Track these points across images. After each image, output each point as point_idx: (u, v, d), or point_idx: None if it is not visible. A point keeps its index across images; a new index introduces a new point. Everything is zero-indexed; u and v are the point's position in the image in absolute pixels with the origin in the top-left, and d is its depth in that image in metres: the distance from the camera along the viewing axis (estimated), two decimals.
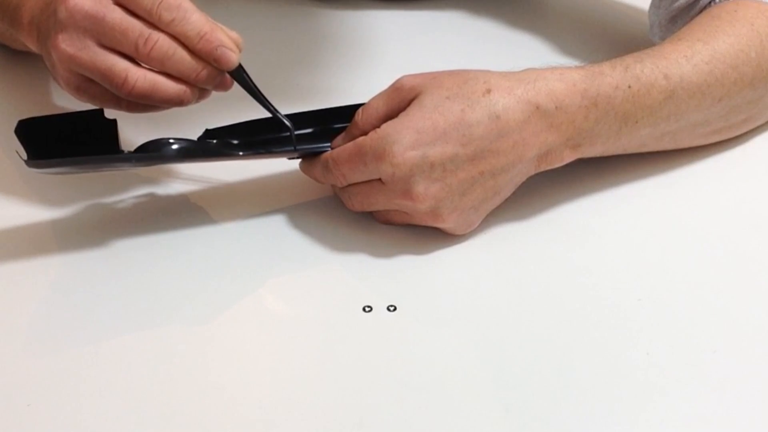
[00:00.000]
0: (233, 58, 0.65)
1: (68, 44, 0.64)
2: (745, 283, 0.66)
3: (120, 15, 0.63)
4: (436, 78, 0.67)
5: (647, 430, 0.56)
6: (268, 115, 0.69)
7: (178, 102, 0.65)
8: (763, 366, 0.60)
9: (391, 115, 0.66)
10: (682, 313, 0.64)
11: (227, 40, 0.64)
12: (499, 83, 0.66)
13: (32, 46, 0.72)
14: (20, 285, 0.66)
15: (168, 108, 0.67)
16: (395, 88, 0.68)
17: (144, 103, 0.65)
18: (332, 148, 0.68)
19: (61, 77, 0.66)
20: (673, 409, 0.57)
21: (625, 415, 0.57)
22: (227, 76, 0.66)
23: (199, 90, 0.66)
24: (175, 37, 0.63)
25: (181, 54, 0.64)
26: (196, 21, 0.63)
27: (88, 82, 0.65)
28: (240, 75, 0.66)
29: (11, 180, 0.75)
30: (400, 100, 0.67)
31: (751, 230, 0.71)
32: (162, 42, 0.63)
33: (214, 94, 0.67)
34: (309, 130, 0.71)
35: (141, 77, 0.63)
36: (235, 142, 0.70)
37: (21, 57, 0.88)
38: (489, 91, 0.66)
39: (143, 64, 0.64)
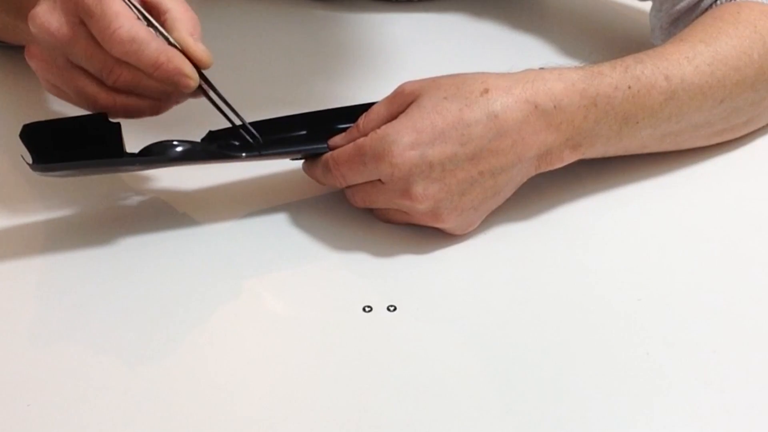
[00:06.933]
0: (190, 84, 0.63)
1: (39, 58, 0.66)
2: (745, 283, 0.66)
3: (84, 42, 0.63)
4: (435, 81, 0.67)
5: (647, 430, 0.56)
6: (273, 116, 0.68)
7: (156, 113, 0.67)
8: (763, 366, 0.60)
9: (392, 119, 0.67)
10: (682, 313, 0.64)
11: (184, 65, 0.63)
12: (497, 83, 0.66)
13: None
14: (20, 284, 0.66)
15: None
16: (396, 93, 0.68)
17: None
18: (329, 147, 0.69)
19: (40, 78, 0.68)
20: (673, 409, 0.57)
21: (625, 415, 0.57)
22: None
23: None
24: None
25: (146, 81, 0.64)
26: (150, 53, 0.62)
27: (61, 91, 0.67)
28: (203, 91, 0.66)
29: (15, 183, 0.75)
30: (400, 104, 0.67)
31: (751, 231, 0.71)
32: (125, 75, 0.64)
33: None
34: (304, 132, 0.71)
35: (111, 102, 0.65)
36: (237, 143, 0.70)
37: (24, 60, 0.88)
38: (487, 90, 0.66)
39: None
